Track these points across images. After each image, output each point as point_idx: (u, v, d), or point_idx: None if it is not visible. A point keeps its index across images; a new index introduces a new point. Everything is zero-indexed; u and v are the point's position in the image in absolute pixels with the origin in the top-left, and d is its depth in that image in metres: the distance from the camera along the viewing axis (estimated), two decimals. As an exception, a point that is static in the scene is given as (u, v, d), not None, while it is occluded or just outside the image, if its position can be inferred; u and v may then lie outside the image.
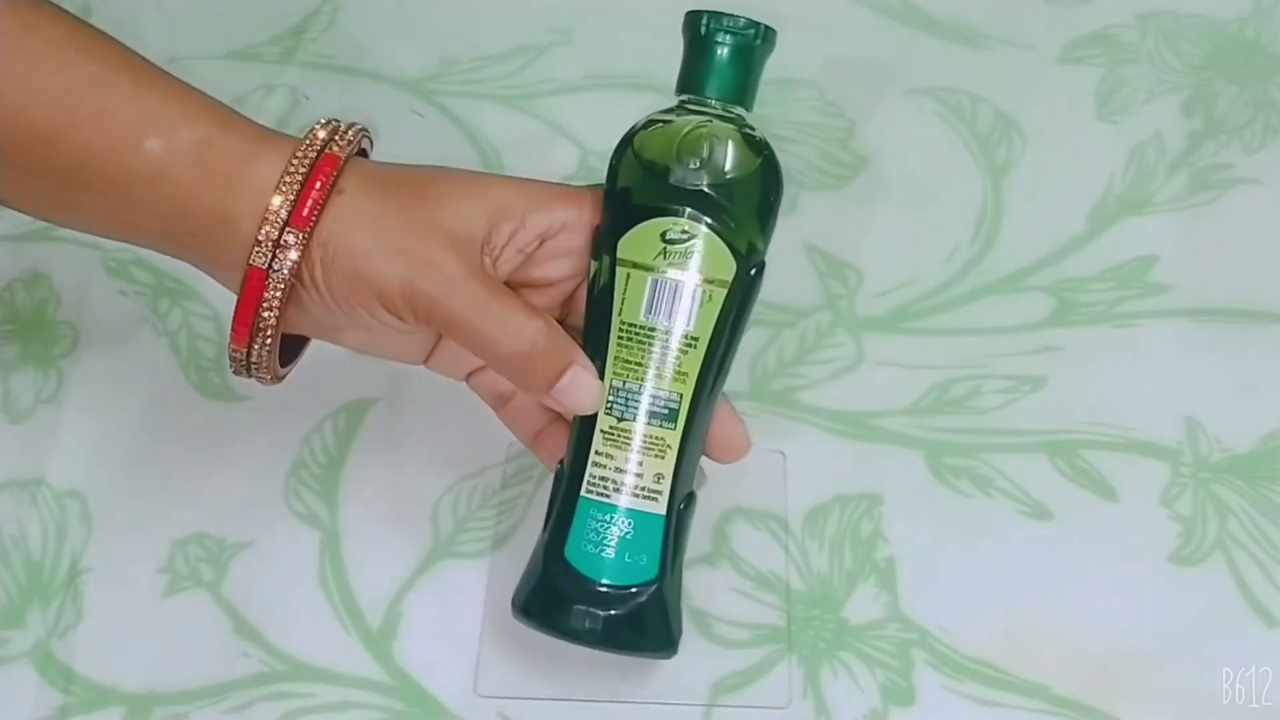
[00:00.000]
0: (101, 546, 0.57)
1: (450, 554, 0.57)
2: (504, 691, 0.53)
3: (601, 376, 0.49)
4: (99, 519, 0.58)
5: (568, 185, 0.50)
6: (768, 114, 0.71)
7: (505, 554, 0.57)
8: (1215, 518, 0.57)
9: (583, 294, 0.51)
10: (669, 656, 0.51)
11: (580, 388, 0.48)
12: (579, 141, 0.69)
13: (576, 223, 0.49)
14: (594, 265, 0.49)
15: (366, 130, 0.49)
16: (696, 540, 0.52)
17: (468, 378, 0.53)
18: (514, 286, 0.50)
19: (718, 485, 0.54)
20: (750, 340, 0.62)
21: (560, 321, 0.52)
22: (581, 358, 0.48)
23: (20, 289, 0.66)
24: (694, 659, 0.54)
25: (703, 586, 0.55)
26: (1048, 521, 0.58)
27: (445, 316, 0.47)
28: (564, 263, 0.50)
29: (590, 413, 0.49)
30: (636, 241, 0.48)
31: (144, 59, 0.49)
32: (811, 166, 0.69)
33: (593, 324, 0.50)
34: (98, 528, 0.58)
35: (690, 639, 0.54)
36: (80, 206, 0.48)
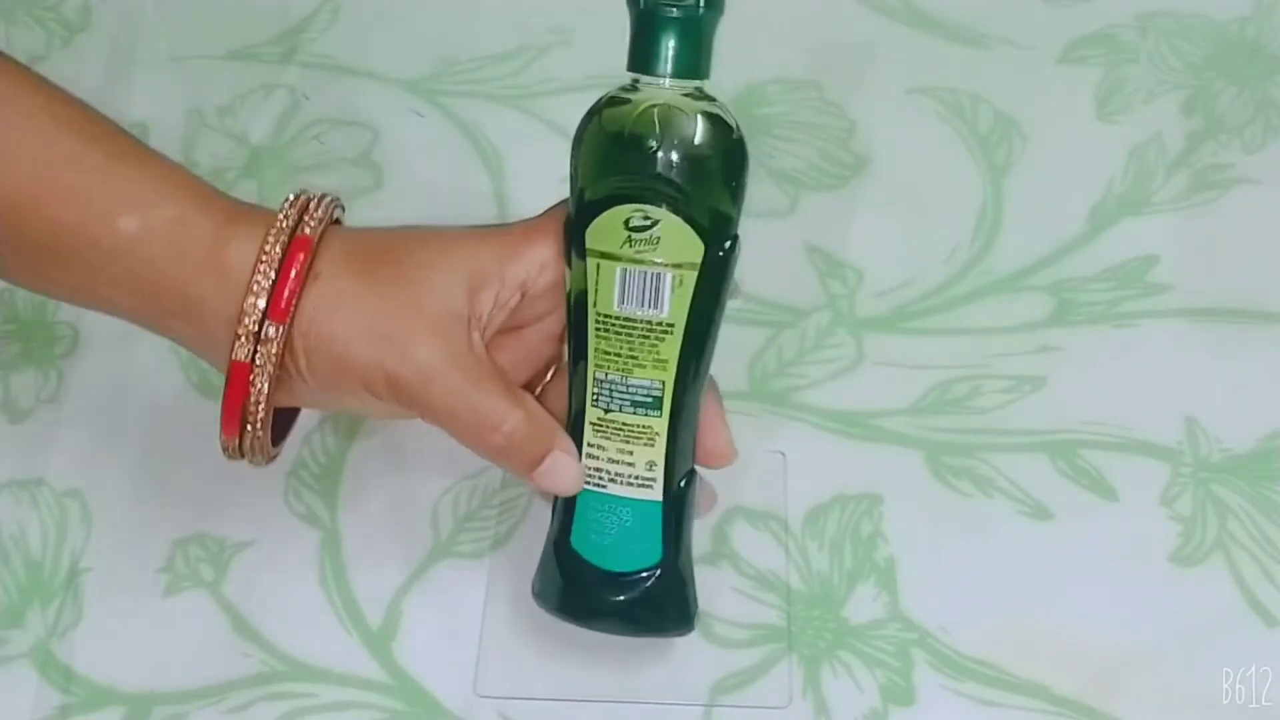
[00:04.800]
0: (101, 546, 0.57)
1: (450, 554, 0.57)
2: (504, 691, 0.53)
3: (585, 369, 0.48)
4: (99, 519, 0.58)
5: (531, 220, 0.49)
6: (768, 114, 0.71)
7: (505, 554, 0.57)
8: (1215, 518, 0.57)
9: None
10: (687, 633, 0.52)
11: (559, 473, 0.48)
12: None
13: (550, 259, 0.49)
14: (568, 271, 0.48)
15: (338, 199, 0.49)
16: (697, 541, 0.52)
17: None
18: (503, 335, 0.50)
19: (718, 485, 0.54)
20: (750, 340, 0.62)
21: (553, 353, 0.52)
22: (562, 441, 0.49)
23: (21, 289, 0.65)
24: (694, 659, 0.54)
25: (703, 586, 0.54)
26: (1048, 521, 0.57)
27: (425, 405, 0.47)
28: (546, 299, 0.49)
29: (572, 494, 0.49)
30: (601, 231, 0.47)
31: (120, 129, 0.48)
32: (811, 166, 0.69)
33: (573, 324, 0.49)
34: (98, 528, 0.58)
35: (691, 639, 0.53)
36: (54, 280, 0.48)
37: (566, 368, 0.50)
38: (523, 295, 0.49)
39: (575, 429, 0.49)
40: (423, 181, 0.70)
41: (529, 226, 0.49)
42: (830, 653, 0.54)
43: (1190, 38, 0.74)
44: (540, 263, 0.48)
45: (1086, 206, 0.67)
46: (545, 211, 0.49)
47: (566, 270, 0.48)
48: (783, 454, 0.59)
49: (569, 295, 0.48)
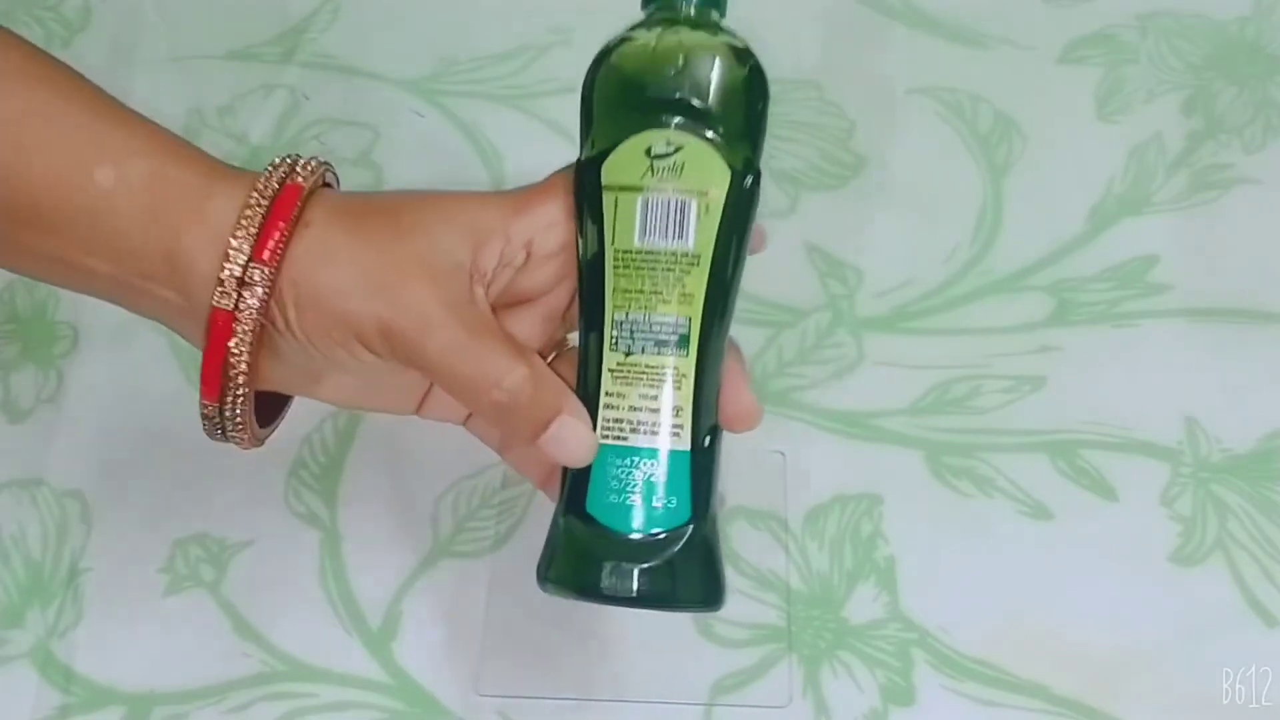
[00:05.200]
0: (101, 546, 0.57)
1: (450, 554, 0.57)
2: (504, 691, 0.53)
3: (599, 339, 0.45)
4: (99, 519, 0.58)
5: (538, 182, 0.47)
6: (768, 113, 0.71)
7: (505, 554, 0.57)
8: (1215, 518, 0.57)
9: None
10: (716, 609, 0.46)
11: (569, 438, 0.44)
12: (579, 141, 0.69)
13: (558, 217, 0.46)
14: (579, 238, 0.46)
15: (330, 165, 0.46)
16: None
17: (466, 421, 0.50)
18: (507, 305, 0.47)
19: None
20: (750, 340, 0.62)
21: (563, 332, 0.49)
22: (571, 404, 0.45)
23: (20, 289, 0.66)
24: (694, 658, 0.54)
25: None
26: (1048, 521, 0.58)
27: (423, 359, 0.43)
28: (553, 266, 0.47)
29: (583, 466, 0.45)
30: (620, 162, 0.44)
31: (99, 89, 0.45)
32: (811, 166, 0.69)
33: (585, 288, 0.46)
34: (98, 528, 0.58)
35: (690, 638, 0.54)
36: (27, 248, 0.44)
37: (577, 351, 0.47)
38: (529, 255, 0.46)
39: (591, 379, 0.45)
40: (423, 181, 0.70)
41: (536, 186, 0.47)
42: (830, 653, 0.54)
43: (1190, 38, 0.74)
44: (548, 220, 0.46)
45: (1086, 206, 0.67)
46: (553, 174, 0.47)
47: (578, 236, 0.46)
48: (783, 454, 0.59)
49: (580, 259, 0.46)
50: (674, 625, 0.55)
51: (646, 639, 0.54)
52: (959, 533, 0.57)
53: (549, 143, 0.70)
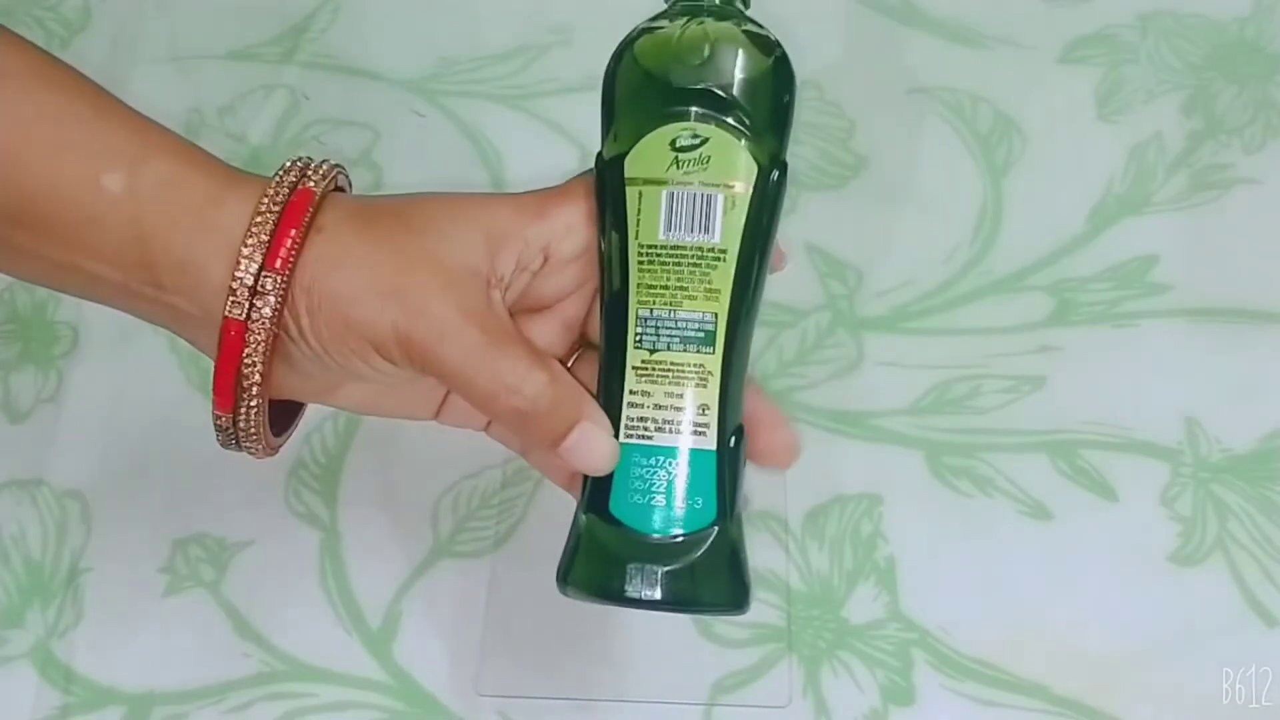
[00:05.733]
0: (101, 546, 0.57)
1: (450, 554, 0.57)
2: (504, 691, 0.53)
3: (625, 315, 0.44)
4: (99, 519, 0.58)
5: (556, 186, 0.46)
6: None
7: (506, 553, 0.57)
8: (1215, 518, 0.57)
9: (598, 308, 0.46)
10: (742, 611, 0.46)
11: (589, 447, 0.43)
12: (579, 141, 0.69)
13: (577, 222, 0.45)
14: (602, 235, 0.45)
15: (342, 167, 0.45)
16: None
17: (487, 428, 0.49)
18: (525, 310, 0.46)
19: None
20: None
21: (580, 340, 0.48)
22: (592, 411, 0.44)
23: (20, 289, 0.66)
24: (694, 658, 0.54)
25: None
26: (1048, 521, 0.58)
27: (439, 366, 0.43)
28: (571, 271, 0.46)
29: (604, 474, 0.44)
30: (644, 155, 0.44)
31: (109, 93, 0.44)
32: (811, 166, 0.69)
33: (610, 296, 0.45)
34: (98, 528, 0.58)
35: (691, 638, 0.54)
36: (31, 252, 0.43)
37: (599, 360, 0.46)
38: (546, 259, 0.45)
39: (615, 377, 0.45)
40: (423, 181, 0.69)
41: (554, 190, 0.46)
42: (830, 653, 0.54)
43: (1190, 38, 0.74)
44: (566, 224, 0.45)
45: (1086, 206, 0.67)
46: (572, 178, 0.46)
47: (600, 232, 0.45)
48: (783, 454, 0.59)
49: (603, 255, 0.45)
50: (674, 625, 0.55)
51: (646, 639, 0.54)
52: (959, 533, 0.57)
53: (549, 143, 0.70)
